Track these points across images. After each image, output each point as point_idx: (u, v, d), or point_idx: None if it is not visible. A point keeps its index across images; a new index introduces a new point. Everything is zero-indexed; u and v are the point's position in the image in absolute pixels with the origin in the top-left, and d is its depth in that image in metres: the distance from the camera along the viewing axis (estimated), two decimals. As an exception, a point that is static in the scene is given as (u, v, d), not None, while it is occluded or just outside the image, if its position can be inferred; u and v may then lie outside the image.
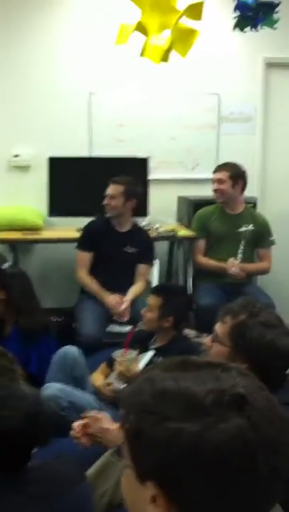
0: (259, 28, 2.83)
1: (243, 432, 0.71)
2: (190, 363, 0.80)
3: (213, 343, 1.75)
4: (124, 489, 0.80)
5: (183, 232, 4.14)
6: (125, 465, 0.78)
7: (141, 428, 0.74)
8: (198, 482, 0.70)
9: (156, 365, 0.83)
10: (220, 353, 1.73)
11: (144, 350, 2.73)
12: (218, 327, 1.75)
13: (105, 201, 3.67)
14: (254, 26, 2.80)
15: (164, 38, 2.54)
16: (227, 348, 1.70)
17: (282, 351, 1.68)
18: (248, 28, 2.96)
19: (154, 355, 2.67)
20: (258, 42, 4.35)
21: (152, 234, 4.00)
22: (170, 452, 0.71)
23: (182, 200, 4.49)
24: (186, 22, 2.64)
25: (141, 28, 2.59)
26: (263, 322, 1.69)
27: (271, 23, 2.80)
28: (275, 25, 2.88)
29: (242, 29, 2.90)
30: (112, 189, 3.66)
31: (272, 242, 4.05)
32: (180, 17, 2.52)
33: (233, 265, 3.82)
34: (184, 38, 2.55)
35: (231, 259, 3.85)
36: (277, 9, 2.78)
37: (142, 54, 2.61)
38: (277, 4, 2.78)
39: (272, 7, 2.72)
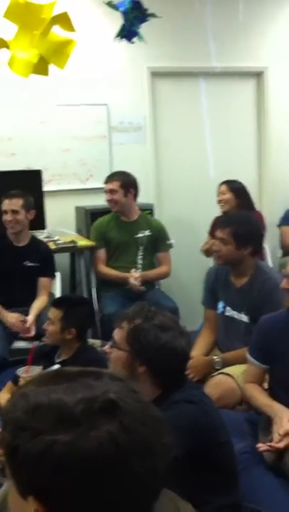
0: (134, 40, 2.89)
1: (113, 436, 0.72)
2: (63, 374, 0.81)
3: (112, 349, 1.78)
4: (12, 507, 0.80)
5: (83, 242, 4.15)
6: (10, 483, 0.78)
7: (16, 445, 0.74)
8: (75, 491, 0.71)
9: (31, 380, 0.83)
10: (119, 359, 1.75)
11: (49, 364, 2.69)
12: (116, 333, 1.78)
13: (8, 217, 3.58)
14: (128, 38, 2.85)
15: (31, 51, 2.49)
16: (125, 352, 1.73)
17: (178, 352, 1.73)
18: (135, 39, 3.01)
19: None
20: (142, 52, 4.46)
21: (52, 246, 3.97)
22: (44, 465, 0.71)
23: (79, 211, 4.50)
24: (61, 33, 2.62)
25: (2, 42, 2.53)
26: (158, 325, 1.73)
27: (141, 37, 2.88)
28: (142, 39, 2.93)
29: (122, 38, 2.94)
30: (11, 204, 3.57)
31: (170, 246, 4.14)
32: (46, 29, 2.49)
33: (133, 276, 3.86)
34: (59, 50, 2.54)
35: (132, 271, 3.90)
36: (141, 24, 2.84)
37: (10, 69, 2.57)
38: (144, 19, 2.84)
39: (140, 20, 2.79)
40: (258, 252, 2.99)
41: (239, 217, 3.00)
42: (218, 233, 2.90)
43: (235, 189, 4.23)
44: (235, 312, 2.95)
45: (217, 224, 3.13)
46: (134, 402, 0.77)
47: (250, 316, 2.87)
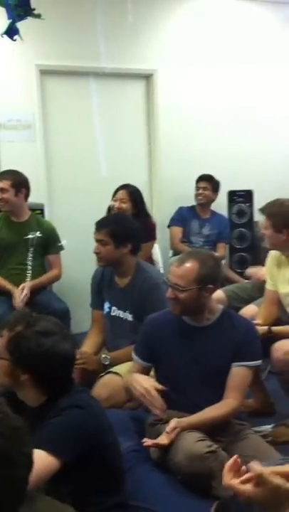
0: (16, 37, 2.84)
1: None
2: None
3: (-6, 358, 1.74)
4: None
5: None
6: None
7: None
8: None
9: None
10: (1, 367, 1.72)
11: None
12: (-3, 342, 1.75)
13: None
14: (10, 36, 2.80)
15: None
16: (6, 361, 1.70)
17: (62, 356, 1.73)
18: (17, 37, 2.95)
19: None
20: (32, 49, 4.39)
21: None
22: None
23: None
24: None
25: None
26: (40, 331, 1.72)
27: (21, 36, 2.84)
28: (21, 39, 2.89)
29: (3, 35, 2.88)
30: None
31: (60, 248, 4.11)
32: None
33: (19, 292, 3.72)
34: None
35: (22, 285, 3.78)
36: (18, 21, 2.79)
37: None
38: (24, 17, 2.79)
39: (20, 18, 2.75)
40: (137, 249, 3.05)
41: (115, 218, 3.07)
42: (96, 236, 2.95)
43: (133, 195, 4.19)
44: (120, 311, 3.00)
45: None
46: None
47: (134, 314, 2.93)
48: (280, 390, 2.97)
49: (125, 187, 4.22)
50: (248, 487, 0.98)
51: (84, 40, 4.75)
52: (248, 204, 5.30)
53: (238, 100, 5.40)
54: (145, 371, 2.49)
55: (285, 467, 1.05)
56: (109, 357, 2.91)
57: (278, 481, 0.96)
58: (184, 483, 2.05)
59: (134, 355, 2.51)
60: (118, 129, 5.04)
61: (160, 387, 2.28)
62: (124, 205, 4.13)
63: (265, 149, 5.55)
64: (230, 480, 1.01)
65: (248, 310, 3.38)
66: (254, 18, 5.42)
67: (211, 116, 5.30)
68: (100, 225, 2.98)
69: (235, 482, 1.00)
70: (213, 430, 2.27)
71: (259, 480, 0.97)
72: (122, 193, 4.17)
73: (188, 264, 2.31)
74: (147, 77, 5.10)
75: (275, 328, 2.89)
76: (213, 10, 5.22)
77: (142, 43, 4.99)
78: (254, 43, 5.43)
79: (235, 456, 1.04)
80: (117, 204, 4.14)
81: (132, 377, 2.40)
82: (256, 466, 0.99)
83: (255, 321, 2.93)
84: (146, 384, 2.30)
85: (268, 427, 2.91)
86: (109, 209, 4.25)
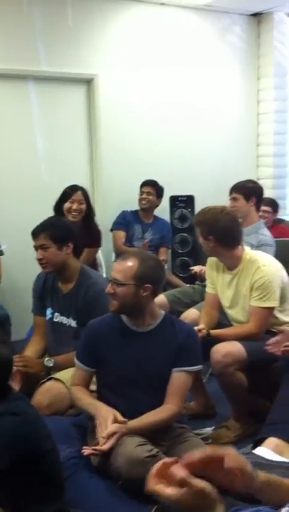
0: None
1: None
2: None
3: None
4: None
5: None
6: None
7: None
8: None
9: None
10: None
11: None
12: None
13: None
14: None
15: None
16: None
17: (-4, 362, 1.70)
18: None
19: None
20: None
21: None
22: None
23: None
24: None
25: None
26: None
27: None
28: None
29: None
30: None
31: (0, 253, 4.04)
32: None
33: None
34: None
35: None
36: None
37: None
38: None
39: None
40: (79, 249, 3.02)
41: (50, 221, 3.04)
42: (36, 242, 2.91)
43: (86, 197, 4.13)
44: (63, 318, 2.96)
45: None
46: None
47: (78, 320, 2.90)
48: (221, 393, 3.01)
49: (78, 188, 4.15)
50: (173, 491, 0.97)
51: (23, 43, 4.69)
52: (189, 209, 5.37)
53: (179, 105, 5.47)
54: (88, 376, 2.48)
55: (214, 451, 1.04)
56: (53, 360, 2.87)
57: (201, 484, 0.96)
58: (124, 489, 2.04)
59: (76, 361, 2.49)
60: (59, 134, 5.00)
61: (122, 419, 2.23)
62: (82, 207, 4.09)
63: (204, 155, 5.64)
64: (155, 484, 1.00)
65: (190, 314, 3.41)
66: (192, 26, 5.51)
67: (152, 121, 5.34)
68: (37, 231, 2.93)
69: (159, 486, 0.99)
70: (154, 434, 2.28)
71: (182, 483, 0.97)
72: (79, 195, 4.10)
73: (129, 261, 2.36)
74: (88, 82, 5.09)
75: (213, 332, 2.94)
76: (152, 16, 5.28)
77: (83, 47, 4.98)
78: (193, 48, 5.53)
79: (160, 461, 1.03)
80: (75, 206, 4.07)
81: (94, 403, 2.34)
82: (179, 470, 0.99)
83: (198, 326, 2.97)
84: (109, 423, 2.21)
85: (209, 430, 2.95)
86: (58, 210, 4.14)
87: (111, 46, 5.12)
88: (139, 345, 2.41)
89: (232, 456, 1.03)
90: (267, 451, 1.85)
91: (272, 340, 2.67)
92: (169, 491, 0.97)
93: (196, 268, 3.86)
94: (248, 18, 5.81)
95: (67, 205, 4.08)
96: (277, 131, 5.93)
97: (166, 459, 1.02)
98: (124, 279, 2.33)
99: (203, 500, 0.95)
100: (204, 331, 2.92)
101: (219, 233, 2.96)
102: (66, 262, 2.93)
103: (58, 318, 2.99)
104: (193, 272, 3.93)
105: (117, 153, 5.21)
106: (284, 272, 3.05)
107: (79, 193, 4.10)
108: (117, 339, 2.43)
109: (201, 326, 2.99)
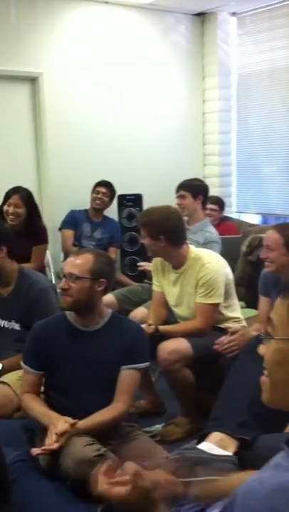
0: None
1: None
2: None
3: None
4: None
5: None
6: None
7: None
8: None
9: None
10: None
11: None
12: None
13: None
14: None
15: None
16: None
17: None
18: None
19: None
20: None
21: None
22: None
23: None
24: None
25: None
26: None
27: None
28: None
29: None
30: None
31: None
32: None
33: None
34: None
35: None
36: None
37: None
38: None
39: None
40: (12, 251, 2.96)
41: None
42: None
43: (26, 199, 4.09)
44: (5, 322, 2.92)
45: None
46: None
47: (21, 323, 2.86)
48: (170, 390, 3.03)
49: (17, 191, 4.11)
50: (119, 490, 0.99)
51: None
52: (137, 208, 5.39)
53: (125, 105, 5.49)
54: (37, 380, 2.44)
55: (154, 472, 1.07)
56: (1, 364, 2.82)
57: (147, 484, 0.98)
58: (72, 489, 2.04)
59: (24, 365, 2.45)
60: (3, 133, 4.93)
61: (72, 421, 2.22)
62: (19, 210, 4.05)
63: (151, 154, 5.68)
64: (103, 484, 1.02)
65: (139, 312, 3.43)
66: (137, 24, 5.54)
67: (98, 120, 5.34)
68: None
69: (105, 487, 1.01)
70: (103, 434, 2.28)
71: (129, 483, 0.99)
72: (15, 198, 4.07)
73: (84, 256, 2.38)
74: (33, 80, 5.04)
75: (161, 328, 2.96)
76: (96, 15, 5.27)
77: (27, 45, 4.92)
78: (138, 47, 5.56)
79: (109, 461, 1.04)
80: (11, 209, 4.03)
81: (46, 413, 2.30)
82: (129, 468, 1.00)
83: (146, 322, 2.99)
84: (59, 424, 2.18)
85: (158, 427, 2.97)
86: (1, 212, 4.12)
87: (56, 44, 5.08)
88: (87, 344, 2.41)
89: (164, 486, 1.05)
90: (211, 445, 1.89)
91: (223, 339, 2.73)
92: (114, 490, 0.99)
93: (144, 264, 3.87)
94: (192, 17, 5.87)
95: (5, 207, 4.10)
96: (222, 130, 6.02)
97: (110, 462, 1.03)
98: (80, 272, 2.33)
99: (146, 499, 0.97)
100: (153, 326, 2.94)
101: (171, 232, 2.97)
102: (1, 266, 2.88)
103: (0, 322, 2.94)
104: (141, 268, 3.95)
105: (64, 153, 5.18)
106: (228, 268, 3.10)
107: (16, 196, 4.08)
108: (65, 340, 2.42)
109: (150, 321, 3.02)
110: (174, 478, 1.02)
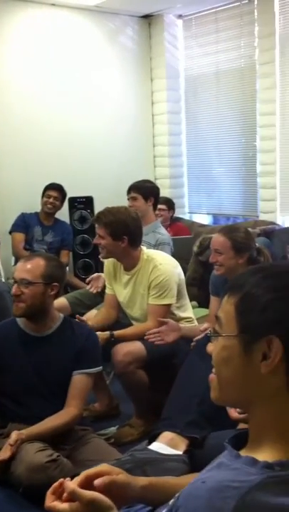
0: None
1: None
2: None
3: None
4: None
5: None
6: None
7: None
8: None
9: None
10: None
11: None
12: None
13: None
14: None
15: None
16: None
17: None
18: None
19: None
20: None
21: None
22: None
23: None
24: None
25: None
26: None
27: None
28: None
29: None
30: None
31: None
32: None
33: None
34: None
35: None
36: None
37: None
38: None
39: None
40: None
41: None
42: None
43: None
44: None
45: None
46: None
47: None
48: (124, 392, 3.04)
49: None
50: (66, 506, 1.00)
51: None
52: (88, 210, 5.36)
53: (73, 107, 5.45)
54: None
55: (97, 468, 1.08)
56: None
57: (90, 494, 0.99)
58: (25, 496, 2.02)
59: None
60: None
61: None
62: None
63: (101, 156, 5.66)
64: (50, 502, 1.03)
65: (91, 315, 3.42)
66: (83, 27, 5.50)
67: (46, 123, 5.29)
68: None
69: (53, 503, 1.02)
70: (56, 439, 2.27)
71: (74, 497, 1.00)
72: None
73: (34, 261, 2.37)
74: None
75: (116, 333, 2.95)
76: (43, 17, 5.22)
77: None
78: (85, 50, 5.51)
79: (60, 480, 1.05)
80: None
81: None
82: (68, 484, 1.02)
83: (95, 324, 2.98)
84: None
85: (113, 429, 2.97)
86: None
87: (1, 46, 5.02)
88: (38, 351, 2.40)
89: (103, 471, 1.07)
90: (161, 445, 1.90)
91: (154, 330, 2.76)
92: (61, 506, 1.00)
93: (92, 277, 3.81)
94: (138, 19, 5.89)
95: None
96: (172, 131, 6.05)
97: (61, 480, 1.05)
98: (32, 277, 2.32)
99: (97, 509, 0.99)
100: (107, 332, 2.91)
101: (134, 233, 2.95)
102: None
103: None
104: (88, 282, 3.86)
105: (14, 157, 5.11)
106: (180, 268, 3.13)
107: None
108: (16, 346, 2.40)
109: (92, 322, 3.00)
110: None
